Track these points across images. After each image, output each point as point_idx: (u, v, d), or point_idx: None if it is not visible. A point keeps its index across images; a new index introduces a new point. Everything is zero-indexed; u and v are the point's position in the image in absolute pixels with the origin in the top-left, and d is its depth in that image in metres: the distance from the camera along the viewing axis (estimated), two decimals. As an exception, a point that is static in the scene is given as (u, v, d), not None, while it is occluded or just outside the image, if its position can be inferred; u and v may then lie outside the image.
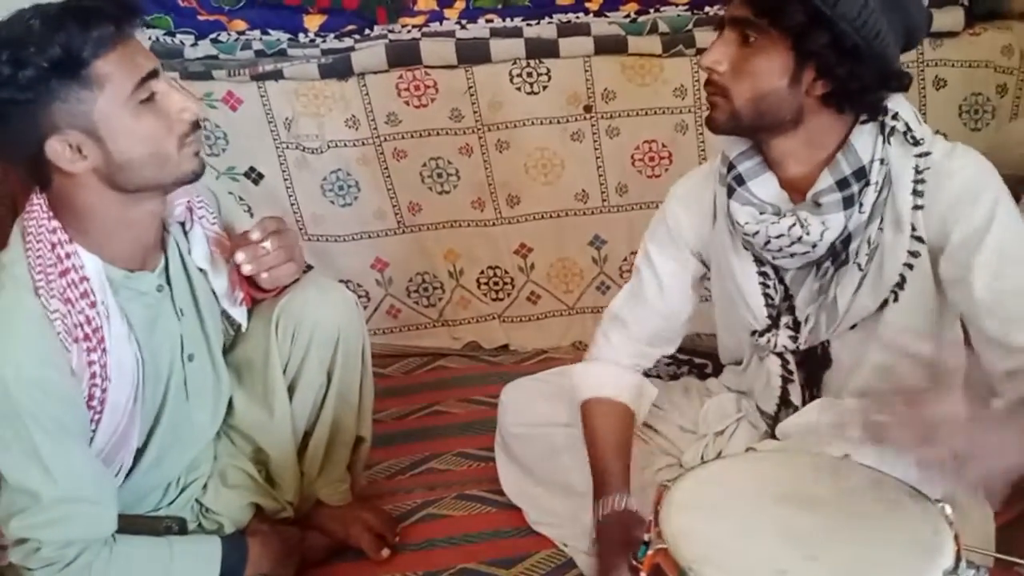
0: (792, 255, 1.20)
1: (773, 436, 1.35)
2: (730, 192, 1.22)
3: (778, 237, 1.18)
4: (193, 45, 2.12)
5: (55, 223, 1.13)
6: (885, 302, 1.20)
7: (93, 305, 1.13)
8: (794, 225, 1.16)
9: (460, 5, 2.19)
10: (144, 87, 1.09)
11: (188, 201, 1.27)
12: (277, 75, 2.09)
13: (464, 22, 2.15)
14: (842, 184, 1.14)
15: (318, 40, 2.16)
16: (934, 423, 0.82)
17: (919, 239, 1.15)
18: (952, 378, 1.23)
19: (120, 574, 1.18)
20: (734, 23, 1.13)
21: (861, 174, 1.14)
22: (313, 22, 2.17)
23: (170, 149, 1.12)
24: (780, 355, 1.29)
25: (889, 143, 1.15)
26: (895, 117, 1.14)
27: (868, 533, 0.82)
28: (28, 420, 1.09)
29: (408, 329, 2.33)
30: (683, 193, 1.37)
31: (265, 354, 1.37)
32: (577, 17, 2.15)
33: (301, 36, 2.16)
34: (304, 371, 1.40)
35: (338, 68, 2.09)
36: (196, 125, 1.14)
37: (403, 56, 2.08)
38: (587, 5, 2.17)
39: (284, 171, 2.19)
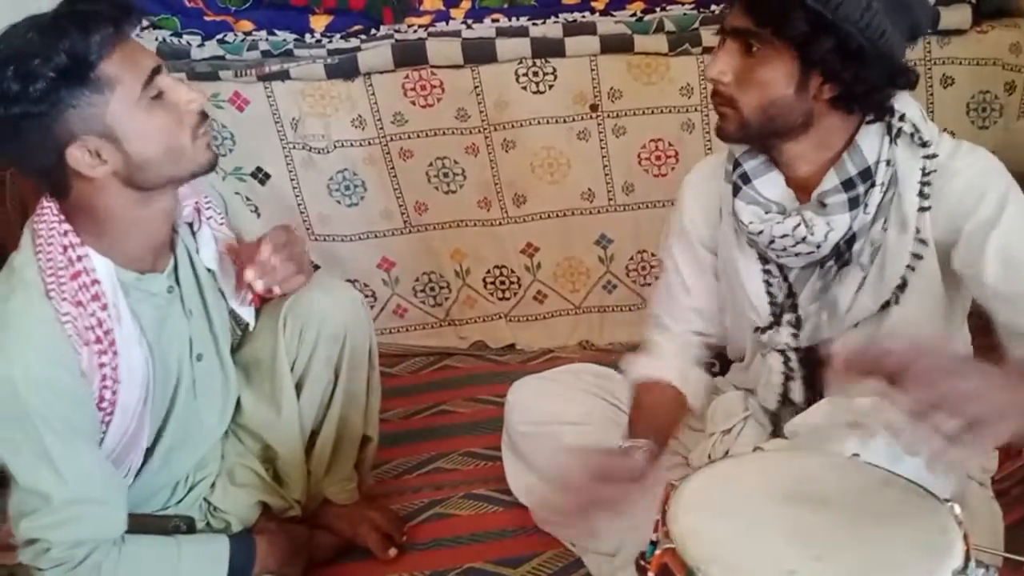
0: (796, 254, 1.20)
1: (778, 434, 1.35)
2: (735, 190, 1.22)
3: (782, 237, 1.18)
4: (200, 46, 2.12)
5: (66, 226, 1.13)
6: (887, 303, 1.19)
7: (104, 308, 1.14)
8: (799, 225, 1.16)
9: (466, 5, 2.19)
10: (152, 84, 1.09)
11: (196, 202, 1.27)
12: (283, 75, 2.09)
13: (470, 22, 2.15)
14: (848, 185, 1.14)
15: (324, 40, 2.16)
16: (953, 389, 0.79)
17: (923, 241, 1.15)
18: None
19: (129, 574, 1.19)
20: (736, 33, 1.13)
21: (867, 175, 1.14)
22: (319, 22, 2.17)
23: (184, 142, 1.12)
24: (782, 352, 1.29)
25: (896, 144, 1.14)
26: (902, 118, 1.14)
27: (877, 533, 0.81)
28: (39, 422, 1.09)
29: (415, 329, 2.33)
30: (695, 185, 1.37)
31: (273, 353, 1.38)
32: (583, 16, 2.15)
33: (307, 36, 2.17)
34: (311, 370, 1.41)
35: (344, 68, 2.09)
36: (204, 115, 1.15)
37: (409, 56, 2.08)
38: (593, 4, 2.17)
39: (291, 171, 2.19)
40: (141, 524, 1.26)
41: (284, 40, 2.15)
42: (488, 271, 2.29)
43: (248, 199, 2.18)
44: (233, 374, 1.40)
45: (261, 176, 2.20)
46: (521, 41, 2.09)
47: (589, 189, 2.21)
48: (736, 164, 1.23)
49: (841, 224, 1.15)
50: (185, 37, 2.13)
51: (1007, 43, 2.05)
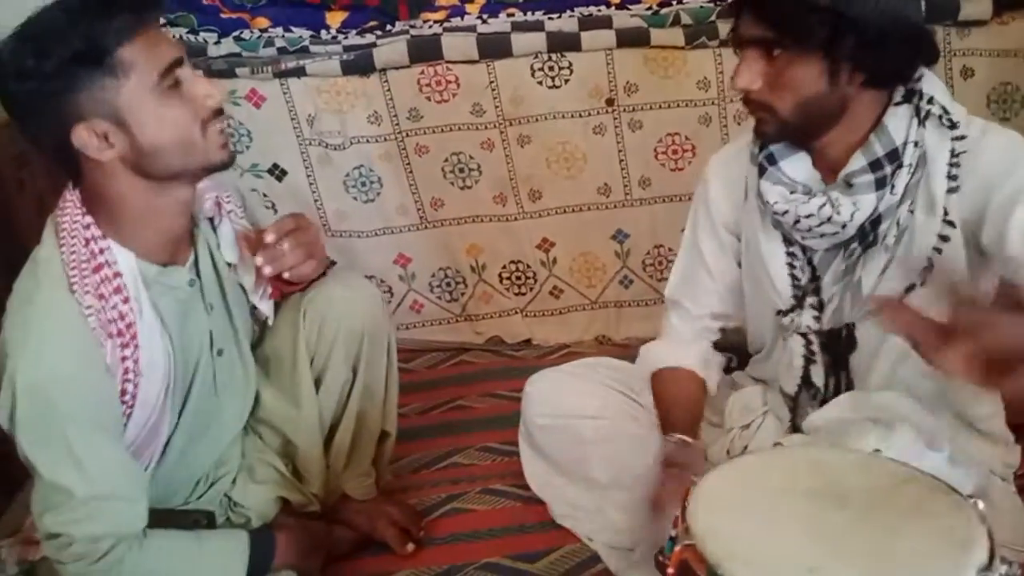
0: (821, 235, 1.19)
1: (796, 430, 1.35)
2: (761, 171, 1.22)
3: (808, 216, 1.17)
4: (216, 43, 2.13)
5: (88, 219, 1.13)
6: (912, 286, 1.18)
7: (126, 300, 1.14)
8: (824, 205, 1.16)
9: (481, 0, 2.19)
10: (170, 75, 1.09)
11: (216, 196, 1.28)
12: (299, 72, 2.09)
13: (485, 16, 2.14)
14: (875, 165, 1.13)
15: (340, 36, 2.16)
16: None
17: (951, 223, 1.14)
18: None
19: (150, 567, 1.20)
20: (756, 43, 1.12)
21: (894, 156, 1.13)
22: (335, 19, 2.17)
23: (195, 136, 1.12)
24: (804, 335, 1.29)
25: (924, 126, 1.13)
26: (930, 101, 1.13)
27: (900, 529, 0.81)
28: (64, 418, 1.10)
29: (431, 324, 2.34)
30: (719, 167, 1.37)
31: (292, 348, 1.38)
32: (599, 10, 2.13)
33: (323, 33, 2.17)
34: (330, 365, 1.41)
35: (360, 64, 2.09)
36: (219, 112, 1.15)
37: (424, 51, 2.08)
38: (609, -2, 2.16)
39: (307, 168, 2.20)
40: (162, 519, 1.26)
41: (300, 37, 2.15)
42: (504, 266, 2.29)
43: (265, 196, 2.19)
44: (253, 369, 1.40)
45: (278, 173, 2.20)
46: (536, 35, 2.08)
47: (605, 184, 2.20)
48: (762, 146, 1.22)
49: (867, 204, 1.14)
50: (202, 34, 2.14)
51: (1029, 34, 2.02)
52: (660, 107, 2.12)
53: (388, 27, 2.16)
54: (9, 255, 1.63)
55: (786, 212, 1.19)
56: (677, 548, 0.82)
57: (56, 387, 1.09)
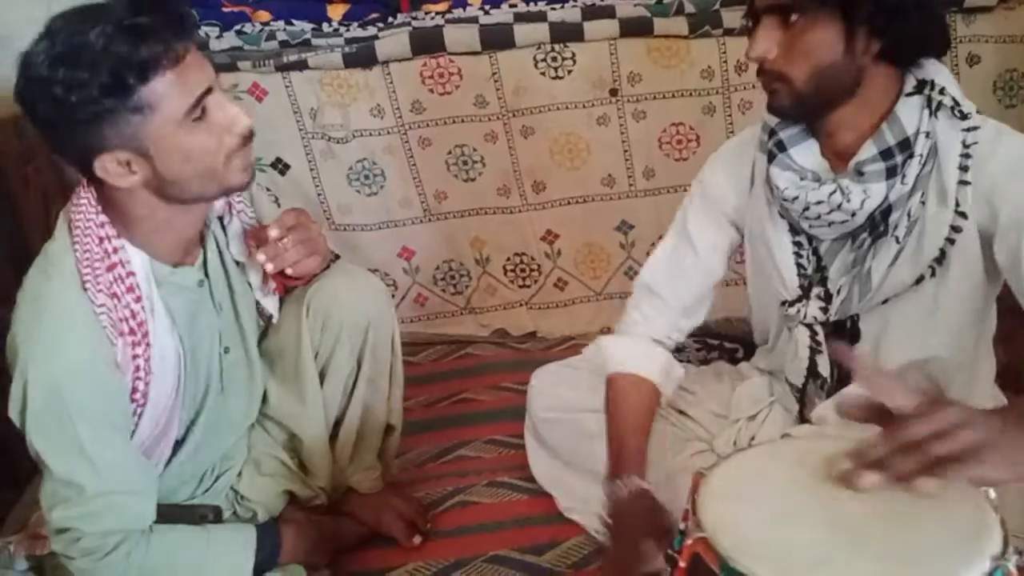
0: (830, 223, 1.19)
1: (804, 420, 1.34)
2: (771, 158, 1.22)
3: (817, 204, 1.17)
4: (218, 37, 2.12)
5: (103, 217, 1.13)
6: (921, 277, 1.18)
7: (138, 299, 1.14)
8: (834, 192, 1.15)
9: (483, -10, 2.18)
10: (197, 107, 1.06)
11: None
12: (302, 65, 2.09)
13: (487, 7, 2.13)
14: (886, 154, 1.13)
15: (342, 29, 2.15)
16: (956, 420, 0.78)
17: (962, 214, 1.14)
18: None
19: (158, 562, 1.20)
20: (770, 11, 1.11)
21: (905, 145, 1.12)
22: (336, 11, 2.16)
23: (217, 165, 1.10)
24: (809, 326, 1.28)
25: (936, 117, 1.13)
26: (942, 91, 1.12)
27: (911, 519, 0.80)
28: (74, 414, 1.10)
29: (435, 317, 2.33)
30: (723, 158, 1.36)
31: (297, 342, 1.38)
32: (601, 0, 2.13)
33: (325, 25, 2.16)
34: (335, 359, 1.41)
35: (362, 57, 2.08)
36: (247, 138, 1.12)
37: (427, 43, 2.07)
38: (611, -13, 2.15)
39: (310, 161, 2.20)
40: (169, 514, 1.27)
41: (302, 30, 2.14)
42: (508, 258, 2.29)
43: (268, 190, 2.19)
44: (260, 367, 1.40)
45: (281, 167, 2.20)
46: (539, 26, 2.07)
47: (609, 175, 2.19)
48: (772, 133, 1.22)
49: (877, 193, 1.14)
50: (203, 28, 2.13)
51: (1035, 20, 2.01)
52: (664, 97, 2.11)
53: (390, 19, 2.16)
54: (14, 250, 1.63)
55: (796, 198, 1.18)
56: (688, 542, 0.81)
57: (67, 383, 1.09)
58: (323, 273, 1.37)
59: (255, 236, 1.28)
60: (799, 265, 1.26)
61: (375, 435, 1.51)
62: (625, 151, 2.17)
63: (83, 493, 1.12)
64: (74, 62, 0.99)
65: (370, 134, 2.16)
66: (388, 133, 2.16)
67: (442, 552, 1.50)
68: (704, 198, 1.36)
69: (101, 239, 1.12)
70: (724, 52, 2.06)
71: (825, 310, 1.25)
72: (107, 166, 1.06)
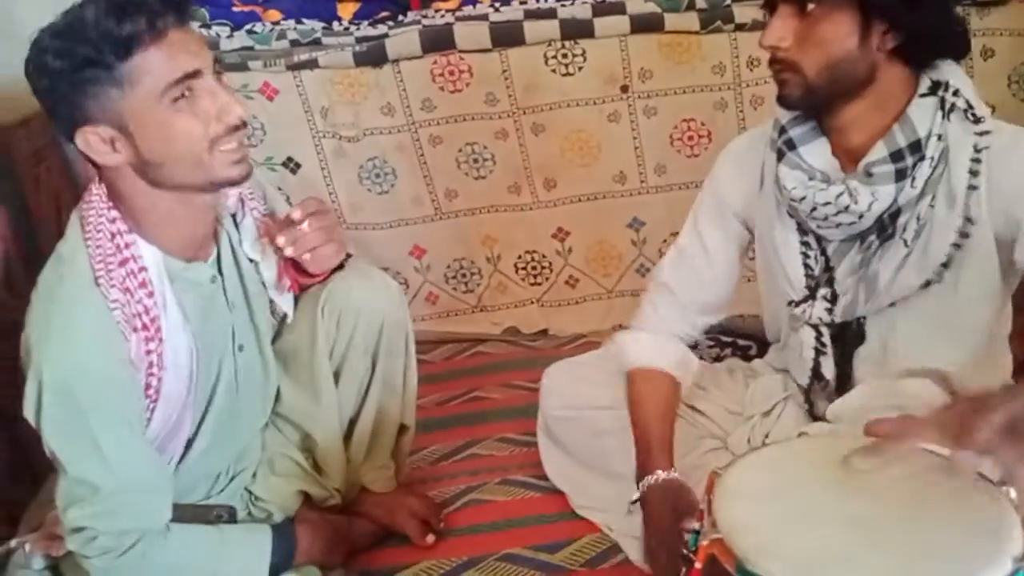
0: (838, 224, 1.18)
1: (812, 412, 1.34)
2: (780, 156, 1.21)
3: (825, 204, 1.16)
4: (229, 36, 2.13)
5: (114, 213, 1.13)
6: (928, 282, 1.17)
7: (151, 295, 1.14)
8: (842, 193, 1.14)
9: (493, -12, 2.17)
10: (178, 86, 1.06)
11: (240, 192, 1.27)
12: (312, 64, 2.09)
13: (497, 5, 2.12)
14: (896, 156, 1.12)
15: (352, 28, 2.15)
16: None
17: (969, 220, 1.13)
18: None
19: (174, 561, 1.20)
20: None
21: (916, 147, 1.11)
22: (347, 10, 2.17)
23: (201, 152, 1.09)
24: (815, 327, 1.27)
25: (949, 119, 1.12)
26: (956, 93, 1.11)
27: (931, 519, 0.79)
28: (89, 412, 1.10)
29: (447, 315, 2.33)
30: (733, 155, 1.36)
31: (311, 341, 1.38)
32: (612, -5, 2.12)
33: (335, 24, 2.16)
34: (349, 358, 1.41)
35: (372, 55, 2.08)
36: (236, 128, 1.11)
37: (437, 41, 2.07)
38: (622, -17, 2.14)
39: (321, 160, 2.20)
40: (184, 514, 1.27)
41: (312, 29, 2.14)
42: (519, 256, 2.29)
43: (280, 189, 2.19)
44: (274, 365, 1.40)
45: (292, 166, 2.20)
46: (549, 23, 2.07)
47: (621, 172, 2.19)
48: (782, 131, 1.21)
49: (886, 195, 1.13)
50: (214, 28, 2.14)
51: (1050, 13, 1.99)
52: (675, 93, 2.11)
53: (400, 17, 2.16)
54: (26, 251, 1.64)
55: (803, 198, 1.17)
56: (704, 542, 0.81)
57: (82, 381, 1.09)
58: (338, 273, 1.37)
59: (268, 230, 1.28)
60: (806, 265, 1.26)
61: (389, 435, 1.51)
62: (636, 148, 2.16)
63: (98, 492, 1.12)
64: (66, 34, 1.03)
65: (381, 132, 2.16)
66: (399, 131, 2.16)
67: (455, 550, 1.50)
68: (714, 196, 1.36)
69: (113, 234, 1.13)
70: (736, 47, 2.05)
71: (831, 311, 1.25)
72: (89, 138, 1.08)
